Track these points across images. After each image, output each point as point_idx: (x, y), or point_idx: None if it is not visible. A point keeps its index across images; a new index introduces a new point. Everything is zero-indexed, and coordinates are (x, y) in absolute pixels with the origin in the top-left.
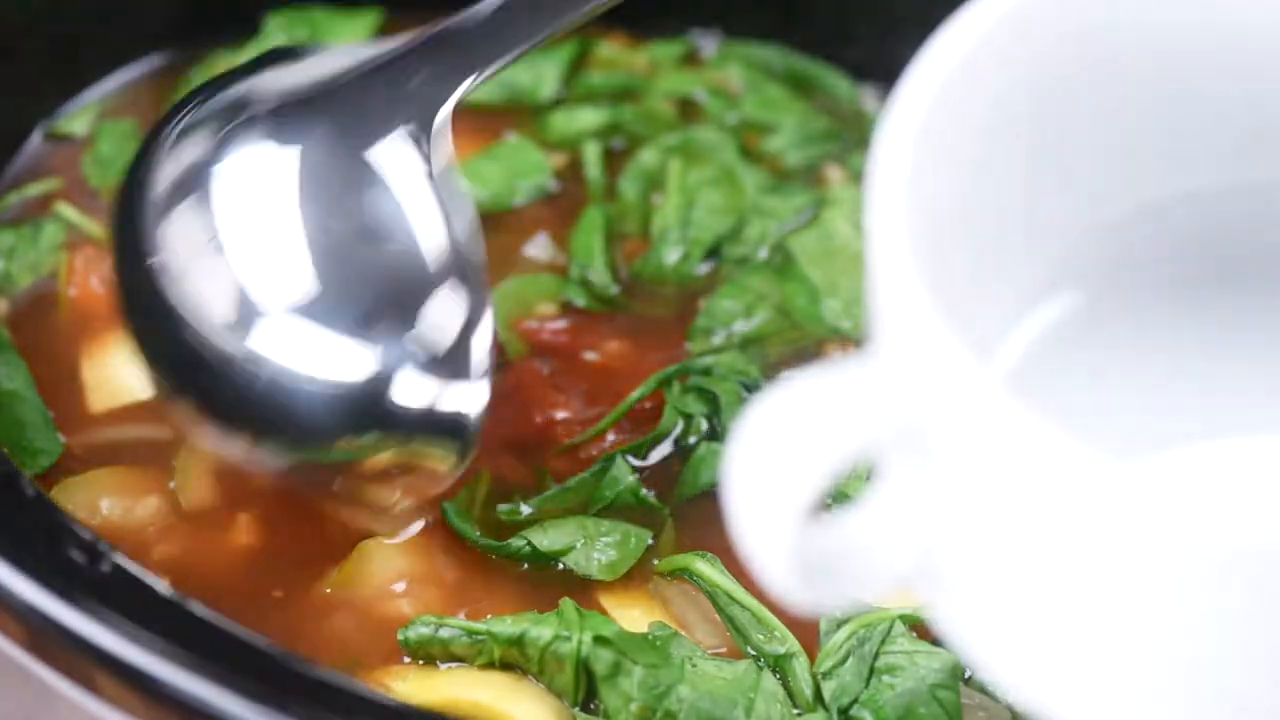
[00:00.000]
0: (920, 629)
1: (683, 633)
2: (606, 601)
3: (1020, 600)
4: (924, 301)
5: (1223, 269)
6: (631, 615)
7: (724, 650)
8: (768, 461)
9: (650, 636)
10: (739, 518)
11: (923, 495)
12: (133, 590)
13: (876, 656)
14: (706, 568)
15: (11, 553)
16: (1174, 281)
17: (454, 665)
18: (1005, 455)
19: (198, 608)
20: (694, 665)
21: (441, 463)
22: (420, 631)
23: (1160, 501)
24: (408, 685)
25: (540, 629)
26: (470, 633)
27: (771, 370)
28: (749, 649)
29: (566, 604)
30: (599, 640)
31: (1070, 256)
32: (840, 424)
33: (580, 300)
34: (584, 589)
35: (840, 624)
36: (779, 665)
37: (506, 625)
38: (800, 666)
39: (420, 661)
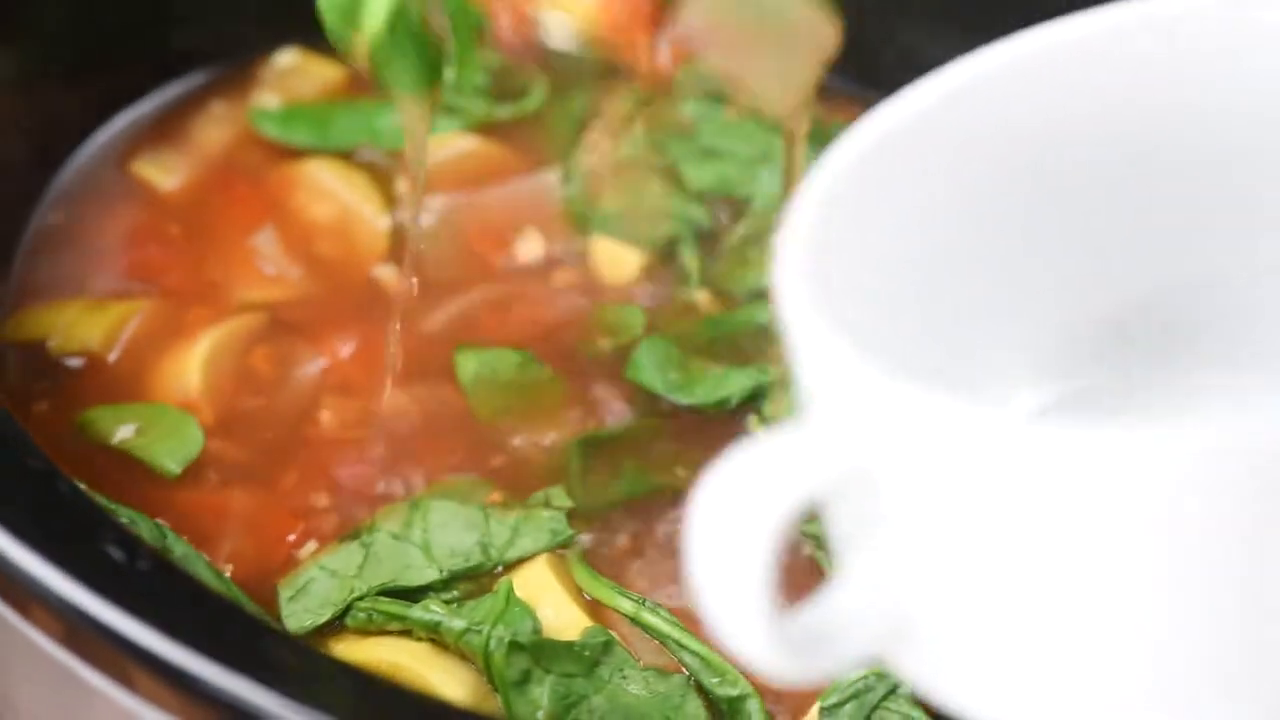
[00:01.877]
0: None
1: (622, 642)
2: (558, 593)
3: (997, 635)
4: (833, 337)
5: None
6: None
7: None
8: (725, 540)
9: (578, 645)
10: (708, 601)
11: (892, 556)
12: (170, 586)
13: (876, 708)
14: (651, 618)
15: (49, 549)
16: (1127, 374)
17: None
18: (963, 460)
19: (235, 604)
20: (624, 676)
21: None
22: (356, 617)
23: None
24: (343, 648)
25: (455, 620)
26: (395, 616)
27: None
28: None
29: (503, 587)
30: (514, 646)
31: (1033, 355)
32: (791, 488)
33: None
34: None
35: None
36: (732, 707)
37: (427, 613)
38: (753, 708)
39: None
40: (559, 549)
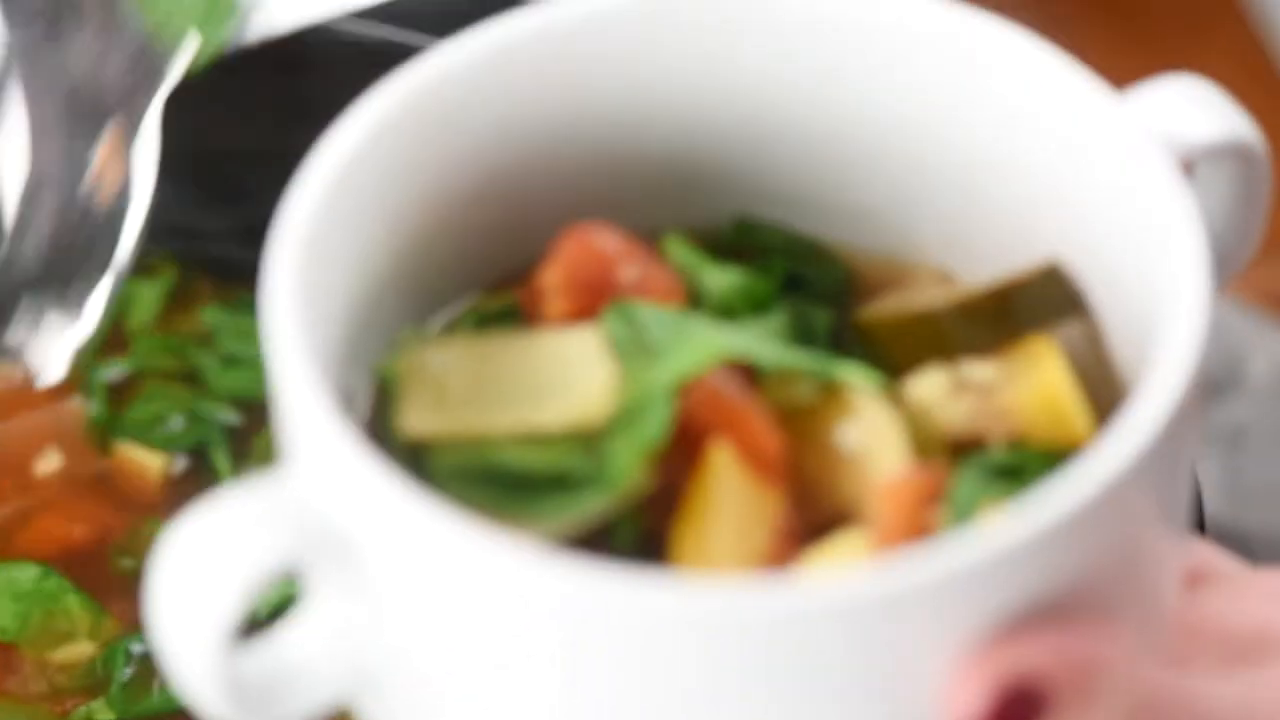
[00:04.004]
0: None
1: None
2: None
3: (461, 708)
4: (330, 415)
5: None
6: None
7: None
8: (187, 586)
9: None
10: (163, 645)
11: (354, 608)
12: None
13: None
14: None
15: None
16: None
17: None
18: (429, 562)
19: None
20: None
21: None
22: None
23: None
24: None
25: None
26: None
27: None
28: None
29: None
30: None
31: None
32: (258, 541)
33: None
34: None
35: None
36: None
37: None
38: None
39: None
40: None
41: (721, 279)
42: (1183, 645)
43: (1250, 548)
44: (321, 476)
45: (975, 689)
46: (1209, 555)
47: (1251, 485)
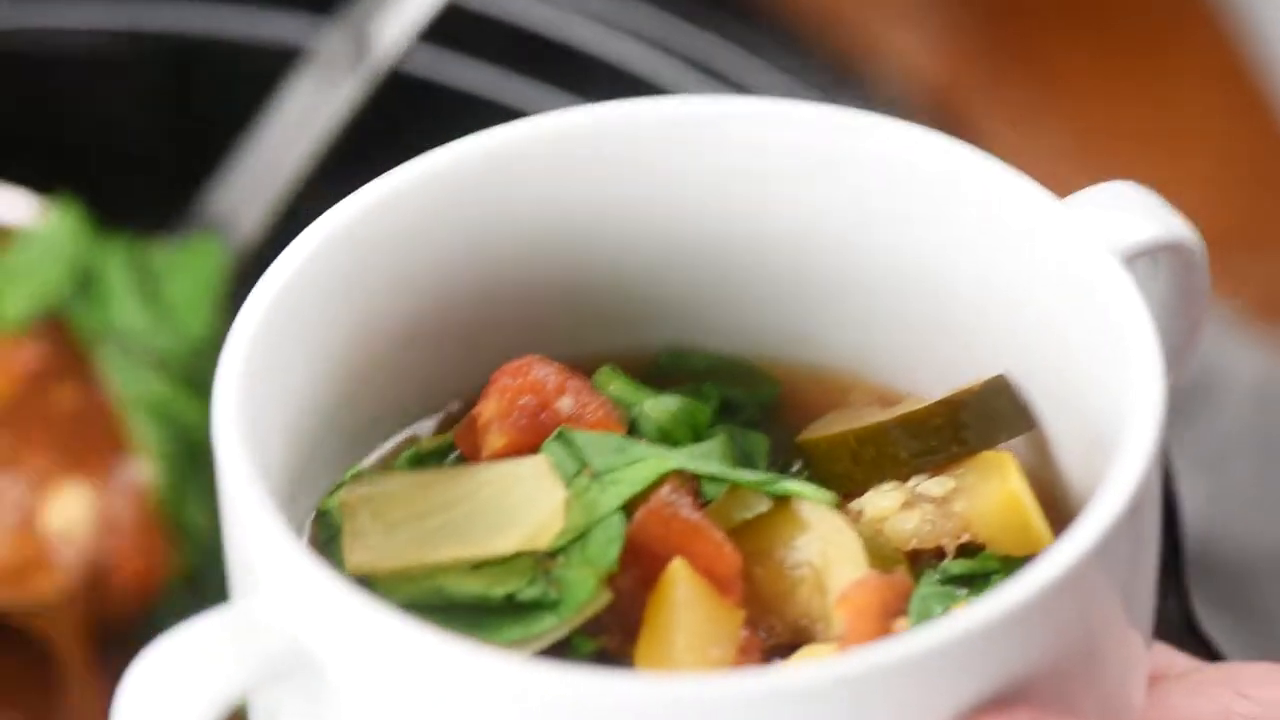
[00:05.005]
0: None
1: None
2: None
3: None
4: (288, 536)
5: None
6: None
7: None
8: (151, 713)
9: None
10: None
11: None
12: None
13: None
14: None
15: None
16: None
17: None
18: (397, 672)
19: None
20: None
21: None
22: None
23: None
24: None
25: None
26: None
27: None
28: None
29: None
30: None
31: None
32: (221, 667)
33: None
34: None
35: None
36: None
37: None
38: None
39: None
40: None
41: (659, 407)
42: None
43: (1238, 562)
44: (283, 598)
45: None
46: (1166, 654)
47: (1238, 498)
